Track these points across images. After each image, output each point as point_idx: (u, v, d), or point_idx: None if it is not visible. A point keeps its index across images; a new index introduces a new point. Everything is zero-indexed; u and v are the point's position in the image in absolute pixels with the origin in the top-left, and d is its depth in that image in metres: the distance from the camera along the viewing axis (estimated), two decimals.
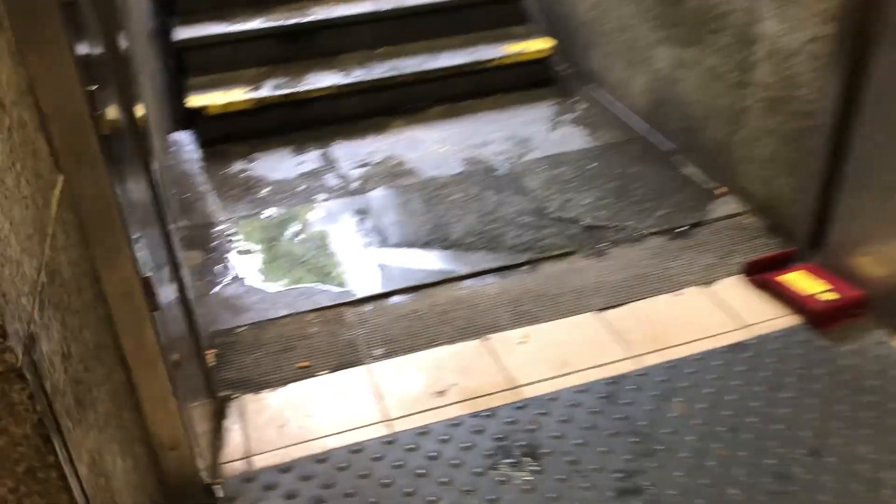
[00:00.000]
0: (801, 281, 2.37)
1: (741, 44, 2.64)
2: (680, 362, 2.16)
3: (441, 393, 2.11)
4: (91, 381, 1.02)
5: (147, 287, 1.25)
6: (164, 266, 1.69)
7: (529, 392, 2.10)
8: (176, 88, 3.69)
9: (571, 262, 2.63)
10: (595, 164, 3.18)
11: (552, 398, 2.06)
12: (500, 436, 1.95)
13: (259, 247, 2.81)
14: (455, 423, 2.00)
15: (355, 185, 3.17)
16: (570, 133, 3.44)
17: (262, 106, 3.51)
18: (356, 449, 1.94)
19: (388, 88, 3.68)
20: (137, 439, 1.26)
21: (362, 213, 2.99)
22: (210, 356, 2.27)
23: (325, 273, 2.65)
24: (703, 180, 3.00)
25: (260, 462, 1.93)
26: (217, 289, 2.59)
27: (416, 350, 2.28)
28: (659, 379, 2.11)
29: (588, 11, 3.65)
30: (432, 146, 3.42)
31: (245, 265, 2.71)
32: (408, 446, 1.93)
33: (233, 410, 2.09)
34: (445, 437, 1.95)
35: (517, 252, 2.68)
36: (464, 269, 2.63)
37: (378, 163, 3.31)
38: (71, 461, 0.84)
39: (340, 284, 2.58)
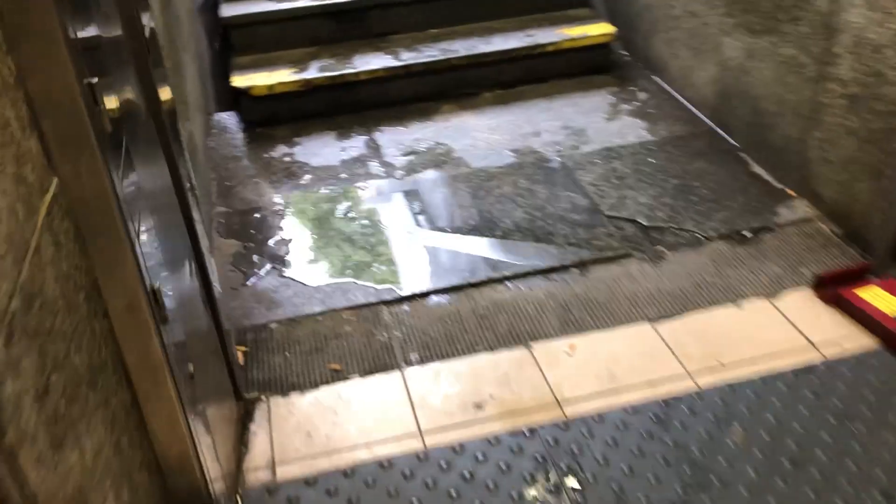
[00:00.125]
0: (879, 298, 2.16)
1: (822, 34, 2.41)
2: (740, 385, 1.98)
3: (478, 406, 1.97)
4: (77, 414, 0.91)
5: (154, 298, 1.14)
6: (184, 259, 1.58)
7: (573, 410, 1.95)
8: (222, 67, 3.60)
9: (625, 265, 2.45)
10: (654, 159, 2.98)
11: (598, 418, 1.91)
12: (540, 458, 1.81)
13: (300, 235, 2.71)
14: (492, 441, 1.86)
15: (399, 173, 3.04)
16: (629, 125, 3.24)
17: (308, 88, 3.39)
18: (386, 464, 1.82)
19: (438, 72, 3.53)
20: (139, 465, 1.15)
21: (407, 201, 2.85)
22: (240, 353, 2.18)
23: (374, 255, 2.53)
24: (772, 181, 2.78)
25: (284, 472, 1.82)
26: (252, 280, 2.50)
27: (454, 356, 2.14)
28: (716, 402, 1.94)
29: None
30: (482, 134, 3.26)
31: (283, 255, 2.61)
32: (441, 464, 1.81)
33: (260, 414, 1.99)
34: (481, 457, 1.82)
35: (567, 252, 2.52)
36: (510, 260, 2.48)
37: (424, 151, 3.17)
38: None
39: (388, 263, 2.46)
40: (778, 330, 2.16)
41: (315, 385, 2.07)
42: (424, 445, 1.87)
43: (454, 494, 1.74)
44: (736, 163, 2.91)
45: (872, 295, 2.18)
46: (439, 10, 3.74)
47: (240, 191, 2.98)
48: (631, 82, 3.57)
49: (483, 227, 2.68)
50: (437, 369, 2.10)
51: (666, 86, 3.47)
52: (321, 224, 2.77)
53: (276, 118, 3.44)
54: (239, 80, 3.37)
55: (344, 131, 3.35)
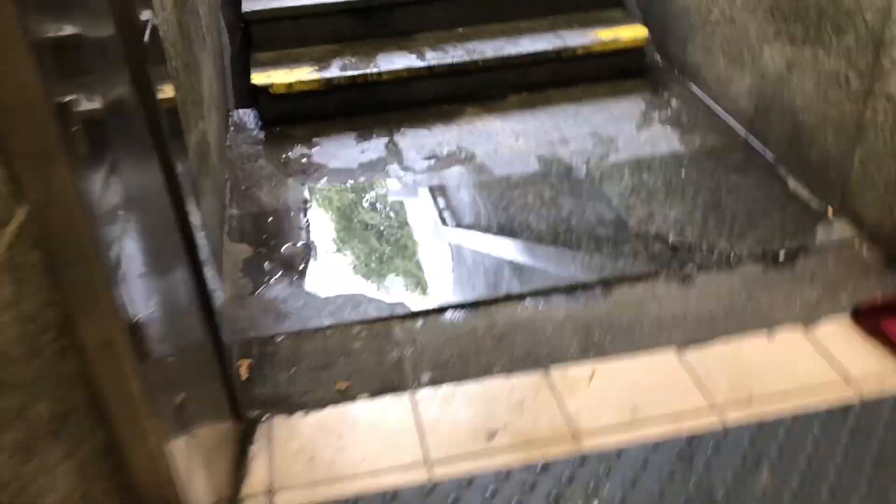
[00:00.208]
0: None
1: (871, 47, 2.26)
2: (770, 422, 1.86)
3: (491, 434, 1.87)
4: (35, 472, 0.82)
5: (135, 333, 1.05)
6: (178, 271, 1.49)
7: (591, 443, 1.83)
8: (243, 63, 3.52)
9: (651, 286, 2.33)
10: (685, 171, 2.85)
11: (617, 454, 1.80)
12: (554, 496, 1.70)
13: (313, 243, 2.61)
14: (504, 475, 1.75)
15: (420, 177, 2.94)
16: (660, 134, 3.10)
17: (329, 87, 3.30)
18: (390, 496, 1.72)
19: (463, 74, 3.42)
20: None
21: (427, 210, 2.75)
22: (243, 368, 2.09)
23: (397, 254, 2.43)
24: (810, 200, 2.64)
25: (283, 501, 1.73)
26: (261, 289, 2.41)
27: (468, 379, 2.04)
28: (744, 441, 1.81)
29: None
30: (506, 140, 3.14)
31: (295, 263, 2.52)
32: (449, 499, 1.71)
33: (261, 434, 1.90)
34: (491, 492, 1.72)
35: (590, 270, 2.40)
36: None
37: (446, 155, 3.06)
38: None
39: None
40: (812, 362, 2.03)
41: (320, 405, 1.98)
42: (432, 476, 1.77)
43: None
44: (772, 179, 2.76)
45: None
46: (467, 9, 3.62)
47: (254, 192, 2.90)
48: (664, 88, 3.43)
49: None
50: (450, 392, 2.00)
51: (701, 93, 3.33)
52: (342, 223, 2.68)
53: (295, 117, 3.35)
54: (258, 78, 3.28)
55: (364, 132, 3.25)
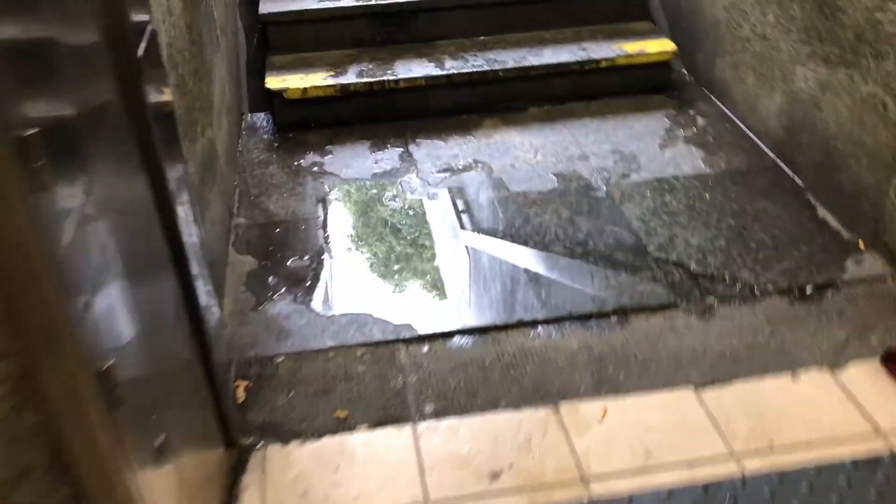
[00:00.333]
0: None
1: None
2: (792, 473, 1.75)
3: (495, 475, 1.77)
4: None
5: (105, 379, 0.97)
6: (163, 290, 1.41)
7: (600, 489, 1.73)
8: (259, 65, 3.45)
9: (669, 317, 2.23)
10: (710, 194, 2.73)
11: (629, 500, 1.69)
12: None
13: (318, 258, 2.53)
14: None
15: (433, 191, 2.85)
16: (684, 153, 2.99)
17: (344, 94, 3.21)
18: None
19: (483, 84, 3.32)
20: None
21: (443, 223, 2.66)
22: (240, 389, 2.01)
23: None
24: (841, 230, 2.52)
25: None
26: (264, 304, 2.33)
27: (473, 412, 1.94)
28: (763, 493, 1.71)
29: (721, 11, 3.17)
30: (525, 154, 3.04)
31: (300, 277, 2.44)
32: None
33: (254, 464, 1.82)
34: None
35: (606, 297, 2.30)
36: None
37: (462, 168, 2.97)
38: None
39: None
40: (839, 409, 1.91)
41: (318, 434, 1.89)
42: None
43: None
44: (801, 206, 2.64)
45: None
46: (489, 17, 3.53)
47: (263, 201, 2.82)
48: (690, 105, 3.32)
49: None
50: (453, 426, 1.91)
51: (728, 112, 3.21)
52: (351, 237, 2.60)
53: (309, 123, 3.27)
54: (272, 82, 3.20)
55: (379, 141, 3.17)
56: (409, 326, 2.22)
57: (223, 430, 1.76)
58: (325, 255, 2.54)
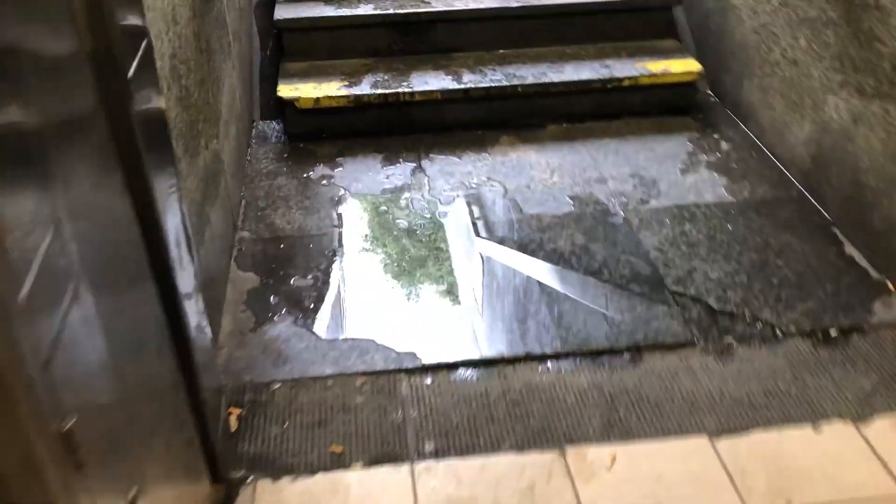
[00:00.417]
0: None
1: None
2: None
3: None
4: None
5: (67, 441, 0.88)
6: (145, 314, 1.32)
7: None
8: (273, 71, 3.37)
9: (685, 357, 2.12)
10: (732, 225, 2.62)
11: None
12: None
13: (322, 277, 2.44)
14: None
15: (443, 209, 2.76)
16: (706, 180, 2.88)
17: (358, 105, 3.13)
18: None
19: (500, 99, 3.23)
20: None
21: (456, 242, 2.57)
22: (233, 417, 1.93)
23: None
24: (869, 269, 2.40)
25: None
26: (264, 325, 2.25)
27: (475, 453, 1.85)
28: None
29: (750, 33, 3.06)
30: (541, 174, 2.95)
31: (302, 298, 2.35)
32: None
33: (243, 501, 1.73)
34: None
35: (619, 332, 2.20)
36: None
37: (475, 186, 2.87)
38: None
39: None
40: (863, 467, 1.80)
41: (311, 470, 1.80)
42: None
43: None
44: (827, 241, 2.53)
45: None
46: (510, 30, 3.43)
47: (268, 215, 2.74)
48: (714, 129, 3.21)
49: (526, 301, 2.38)
50: (453, 467, 1.81)
51: (754, 137, 3.09)
52: (356, 257, 2.51)
53: (320, 133, 3.19)
54: (285, 90, 3.12)
55: (391, 155, 3.08)
56: (412, 355, 2.13)
57: (210, 465, 1.67)
58: (329, 275, 2.45)
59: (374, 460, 1.83)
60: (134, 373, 1.23)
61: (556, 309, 2.28)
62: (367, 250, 2.57)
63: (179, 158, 1.88)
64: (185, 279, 1.54)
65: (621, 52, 3.38)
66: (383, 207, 2.79)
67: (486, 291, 2.41)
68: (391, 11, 3.31)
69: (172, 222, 1.47)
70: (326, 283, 2.42)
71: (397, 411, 1.96)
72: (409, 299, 2.37)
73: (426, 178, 2.93)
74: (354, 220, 2.72)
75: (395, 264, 2.52)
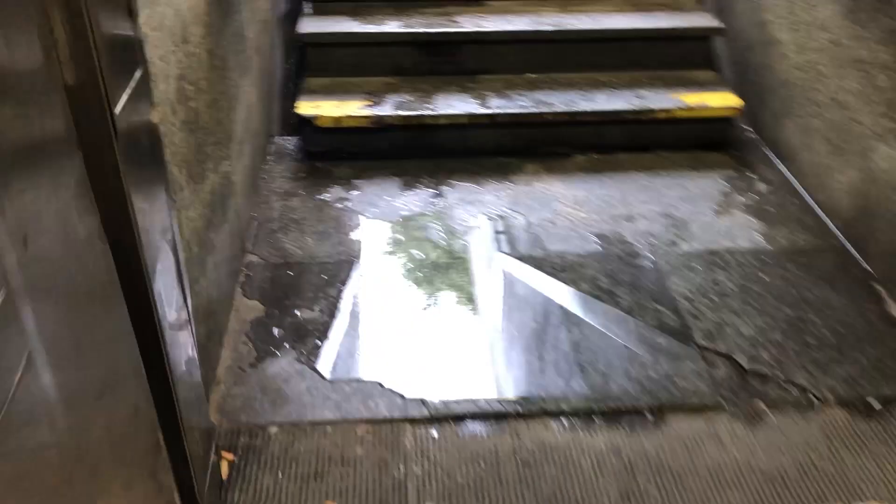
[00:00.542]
0: None
1: None
2: None
3: None
4: None
5: None
6: (121, 357, 1.21)
7: None
8: (294, 85, 3.27)
9: (712, 421, 1.97)
10: (766, 275, 2.47)
11: None
12: None
13: (330, 309, 2.33)
14: None
15: (462, 241, 2.63)
16: (741, 223, 2.73)
17: (379, 126, 3.01)
18: None
19: (528, 126, 3.10)
20: None
21: (467, 289, 2.44)
22: (225, 464, 1.81)
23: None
24: None
25: None
26: (265, 361, 2.13)
27: None
28: None
29: (794, 70, 2.90)
30: (566, 208, 2.81)
31: (307, 331, 2.23)
32: None
33: None
34: None
35: (640, 390, 2.05)
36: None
37: (495, 217, 2.74)
38: None
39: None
40: None
41: None
42: None
43: None
44: (869, 298, 2.37)
45: None
46: (541, 54, 3.31)
47: (279, 238, 2.62)
48: (751, 168, 3.05)
49: (544, 334, 2.24)
50: None
51: (793, 180, 2.93)
52: (367, 290, 2.39)
53: (339, 153, 3.08)
54: (305, 107, 3.02)
55: (410, 179, 2.96)
56: (419, 402, 2.01)
57: None
58: (337, 308, 2.33)
59: None
60: (100, 416, 1.11)
61: (576, 358, 2.15)
62: (378, 282, 2.45)
63: (182, 186, 1.77)
64: (173, 316, 1.42)
65: (656, 82, 3.24)
66: (399, 236, 2.67)
67: (504, 327, 2.28)
68: (418, 30, 3.20)
69: (162, 264, 1.35)
70: (334, 316, 2.30)
71: (399, 467, 1.83)
72: (420, 337, 2.24)
73: (446, 207, 2.81)
74: (368, 248, 2.60)
75: (408, 298, 2.39)
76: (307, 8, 3.38)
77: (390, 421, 1.95)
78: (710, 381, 2.08)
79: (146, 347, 1.31)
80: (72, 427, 0.99)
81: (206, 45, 2.03)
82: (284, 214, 2.75)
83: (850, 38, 2.51)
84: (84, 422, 1.04)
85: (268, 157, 3.08)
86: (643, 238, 2.64)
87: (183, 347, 1.52)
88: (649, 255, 2.56)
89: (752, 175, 3.00)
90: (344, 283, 2.43)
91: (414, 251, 2.59)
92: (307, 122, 3.02)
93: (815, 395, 2.04)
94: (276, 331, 2.23)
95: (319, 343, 2.20)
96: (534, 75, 3.28)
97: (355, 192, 2.89)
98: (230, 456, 1.83)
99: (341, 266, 2.50)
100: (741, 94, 3.18)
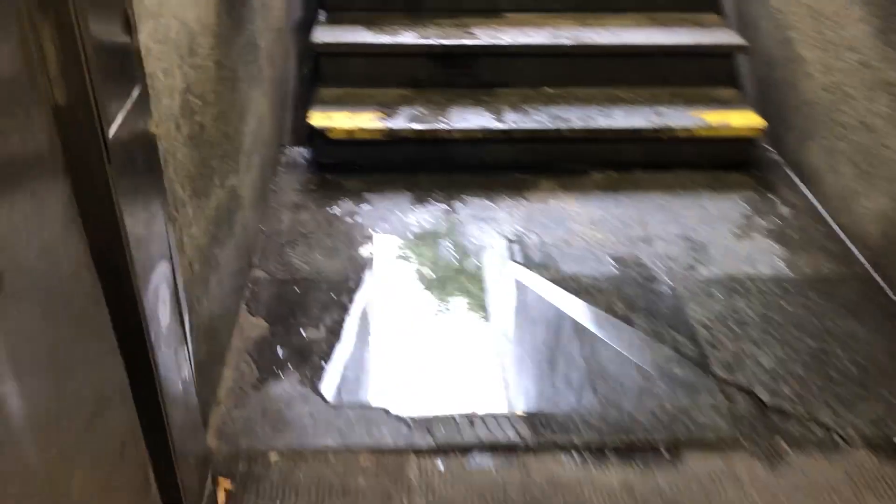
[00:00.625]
0: None
1: None
2: None
3: None
4: None
5: None
6: (104, 382, 1.15)
7: None
8: (307, 94, 3.21)
9: (730, 459, 1.89)
10: (788, 304, 2.38)
11: None
12: None
13: (335, 327, 2.26)
14: None
15: (473, 260, 2.56)
16: (762, 248, 2.64)
17: (392, 139, 2.95)
18: None
19: (544, 141, 3.02)
20: None
21: (479, 315, 2.37)
22: (221, 491, 1.74)
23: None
24: None
25: None
26: (267, 382, 2.06)
27: None
28: None
29: (820, 90, 2.81)
30: (581, 228, 2.73)
31: (312, 352, 2.17)
32: None
33: None
34: None
35: (655, 424, 1.97)
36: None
37: (509, 236, 2.67)
38: None
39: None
40: None
41: None
42: None
43: None
44: None
45: None
46: (558, 67, 3.23)
47: (287, 252, 2.56)
48: (772, 190, 2.96)
49: (557, 365, 2.16)
50: None
51: (817, 204, 2.84)
52: (374, 310, 2.32)
53: (350, 165, 3.02)
54: (317, 119, 2.96)
55: (422, 194, 2.89)
56: (425, 431, 1.93)
57: None
58: (343, 328, 2.26)
59: None
60: (84, 446, 1.04)
61: (590, 387, 2.07)
62: (386, 301, 2.38)
63: (185, 203, 1.71)
64: (167, 341, 1.36)
65: (676, 99, 3.16)
66: (409, 253, 2.60)
67: (515, 352, 2.20)
68: (434, 42, 3.13)
69: (157, 289, 1.29)
70: (340, 336, 2.23)
71: (403, 500, 1.76)
72: (428, 359, 2.17)
73: (457, 223, 2.74)
74: (377, 266, 2.53)
75: (417, 318, 2.32)
76: (322, 16, 3.32)
77: (395, 451, 1.88)
78: (728, 415, 2.00)
79: (136, 375, 1.25)
80: (49, 457, 0.93)
81: (214, 57, 1.98)
82: (293, 228, 2.69)
83: (881, 60, 2.43)
84: (66, 451, 0.98)
85: (279, 168, 3.02)
86: (661, 261, 2.56)
87: (178, 371, 1.46)
88: (667, 279, 2.48)
89: (773, 197, 2.91)
90: (351, 301, 2.36)
91: (424, 269, 2.52)
92: (319, 134, 2.96)
93: (839, 435, 1.95)
94: (280, 351, 2.17)
95: (324, 364, 2.13)
96: (551, 90, 3.21)
97: (366, 206, 2.82)
98: (228, 483, 1.77)
99: (349, 283, 2.43)
100: (763, 113, 3.09)
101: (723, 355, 2.18)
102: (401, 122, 2.96)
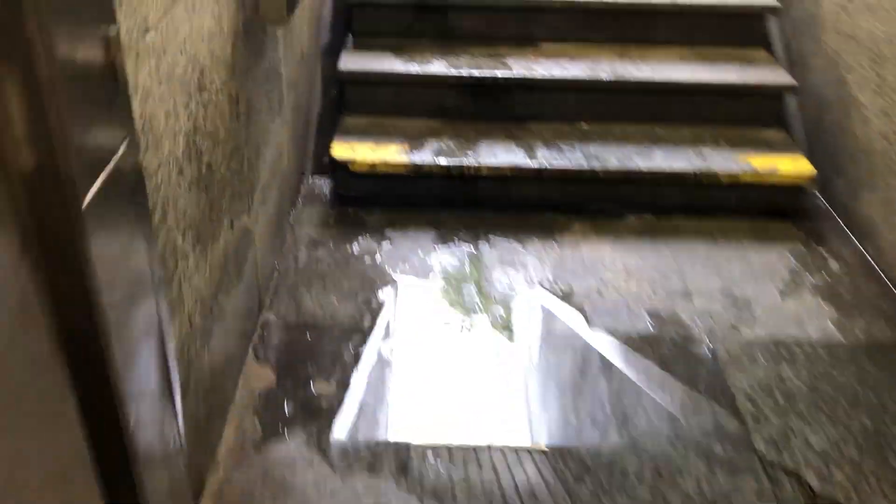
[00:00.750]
0: None
1: None
2: None
3: None
4: None
5: None
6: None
7: None
8: (331, 123, 3.08)
9: None
10: (840, 374, 2.19)
11: None
12: None
13: (345, 379, 2.10)
14: None
15: (499, 310, 2.39)
16: (811, 308, 2.45)
17: (416, 173, 2.80)
18: None
19: (577, 181, 2.86)
20: None
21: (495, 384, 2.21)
22: None
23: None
24: None
25: None
26: (271, 441, 1.91)
27: None
28: None
29: (878, 137, 2.62)
30: (615, 277, 2.56)
31: (322, 409, 2.01)
32: None
33: None
34: None
35: None
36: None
37: (538, 283, 2.50)
38: None
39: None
40: None
41: None
42: None
43: None
44: None
45: None
46: (596, 103, 3.07)
47: (301, 293, 2.42)
48: (822, 242, 2.76)
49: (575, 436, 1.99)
50: None
51: (871, 260, 2.64)
52: (393, 365, 2.17)
53: (372, 199, 2.87)
54: (339, 150, 2.82)
55: (446, 233, 2.74)
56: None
57: None
58: (355, 381, 2.11)
59: None
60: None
61: (622, 466, 1.89)
62: (402, 353, 2.22)
63: (187, 254, 1.57)
64: (147, 400, 1.21)
65: (720, 140, 2.98)
66: (429, 300, 2.44)
67: (543, 417, 2.04)
68: (465, 73, 2.98)
69: (137, 361, 1.14)
70: (351, 390, 2.08)
71: None
72: (446, 421, 2.01)
73: (483, 267, 2.58)
74: (394, 312, 2.38)
75: (432, 372, 2.16)
76: (349, 42, 3.20)
77: None
78: (773, 501, 1.81)
79: (103, 440, 1.10)
80: None
81: (228, 90, 1.84)
82: (309, 266, 2.55)
83: None
84: None
85: (298, 199, 2.88)
86: (701, 319, 2.38)
87: (160, 434, 1.31)
88: (707, 340, 2.29)
89: (823, 251, 2.71)
90: (365, 351, 2.21)
91: (445, 317, 2.37)
92: (341, 166, 2.82)
93: None
94: (287, 406, 2.02)
95: (332, 424, 1.97)
96: (586, 126, 3.04)
97: (386, 245, 2.67)
98: None
99: (364, 331, 2.28)
100: (813, 158, 2.90)
101: (767, 431, 1.99)
102: (427, 156, 2.81)
